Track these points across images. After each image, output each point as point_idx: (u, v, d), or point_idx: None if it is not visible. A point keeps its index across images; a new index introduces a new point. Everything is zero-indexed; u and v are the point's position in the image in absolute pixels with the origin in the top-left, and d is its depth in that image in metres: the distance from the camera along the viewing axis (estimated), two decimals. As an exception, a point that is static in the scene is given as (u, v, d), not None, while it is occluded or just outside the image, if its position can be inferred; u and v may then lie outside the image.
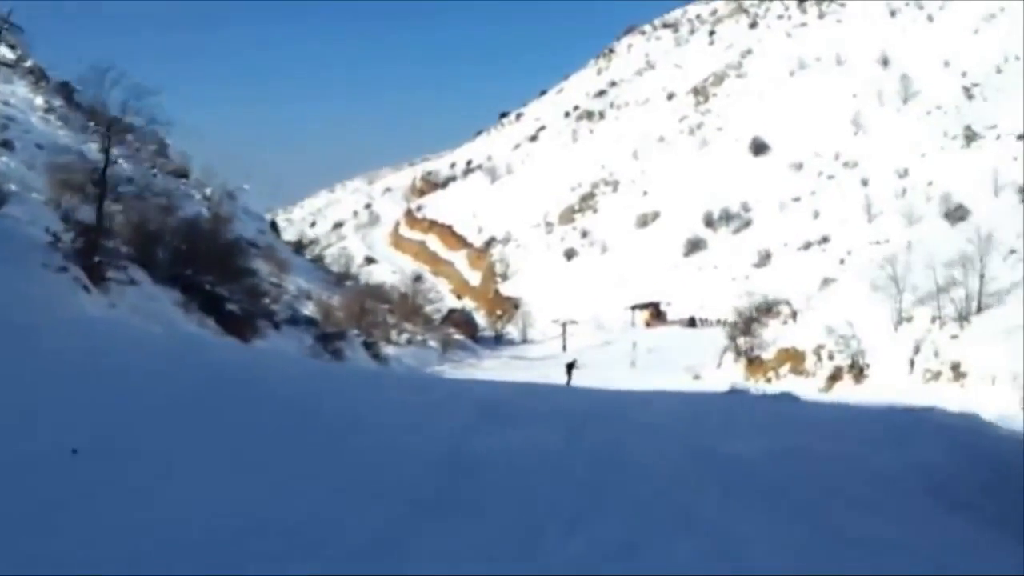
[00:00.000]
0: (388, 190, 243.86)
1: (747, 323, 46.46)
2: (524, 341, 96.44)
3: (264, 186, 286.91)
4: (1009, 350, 27.39)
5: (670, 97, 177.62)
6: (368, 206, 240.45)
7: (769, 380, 40.33)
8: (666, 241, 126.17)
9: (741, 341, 44.61)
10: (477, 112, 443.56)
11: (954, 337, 30.16)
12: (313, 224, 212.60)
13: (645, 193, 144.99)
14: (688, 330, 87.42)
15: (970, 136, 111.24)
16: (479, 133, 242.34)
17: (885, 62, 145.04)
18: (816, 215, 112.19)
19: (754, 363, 42.69)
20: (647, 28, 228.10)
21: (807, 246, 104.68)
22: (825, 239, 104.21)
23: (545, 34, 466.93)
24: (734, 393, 22.84)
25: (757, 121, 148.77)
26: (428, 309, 75.41)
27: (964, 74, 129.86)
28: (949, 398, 24.75)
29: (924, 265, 33.01)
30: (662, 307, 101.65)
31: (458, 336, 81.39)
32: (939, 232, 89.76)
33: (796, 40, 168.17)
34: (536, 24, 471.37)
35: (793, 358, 39.24)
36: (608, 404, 14.54)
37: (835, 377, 34.89)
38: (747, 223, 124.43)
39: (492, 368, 56.54)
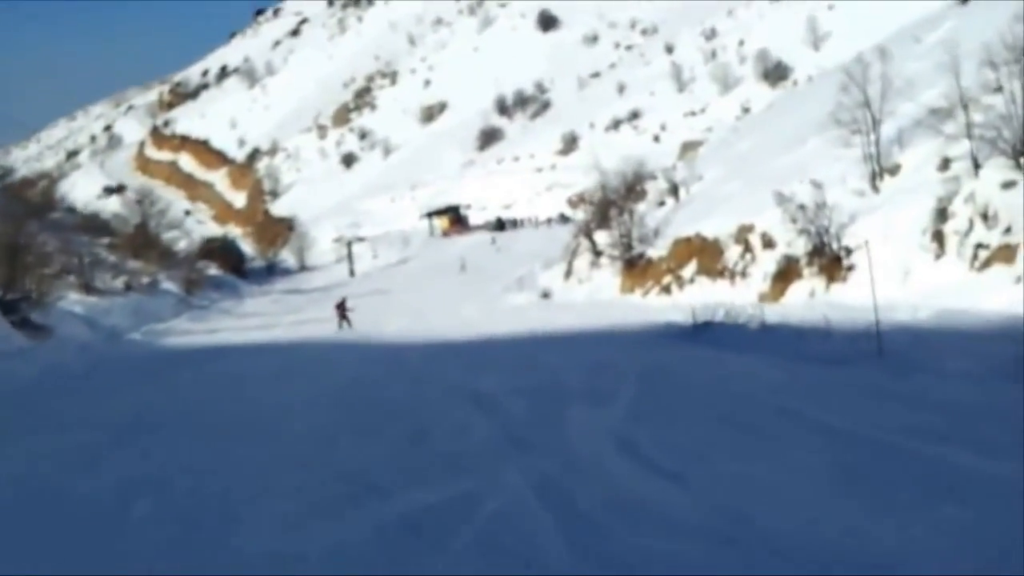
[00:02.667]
0: (131, 107, 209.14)
1: (604, 210, 31.25)
2: (302, 268, 77.36)
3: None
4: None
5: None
6: (107, 128, 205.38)
7: (667, 289, 25.21)
8: (457, 134, 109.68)
9: (603, 238, 29.33)
10: (230, 13, 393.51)
11: (1009, 185, 15.82)
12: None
13: (428, 83, 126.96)
14: (499, 235, 72.20)
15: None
16: (233, 35, 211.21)
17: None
18: (621, 89, 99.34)
19: (635, 267, 27.36)
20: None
21: (616, 124, 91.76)
22: (635, 114, 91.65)
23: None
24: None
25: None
26: (169, 238, 54.41)
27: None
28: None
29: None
30: (462, 211, 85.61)
31: (215, 272, 61.78)
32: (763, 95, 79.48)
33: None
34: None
35: (702, 252, 24.18)
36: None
37: (787, 274, 20.21)
38: (545, 105, 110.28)
39: (255, 313, 38.43)
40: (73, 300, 26.80)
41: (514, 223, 77.40)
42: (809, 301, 18.71)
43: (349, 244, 71.31)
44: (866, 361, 10.51)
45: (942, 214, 16.61)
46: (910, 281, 16.31)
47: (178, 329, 29.81)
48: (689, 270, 25.30)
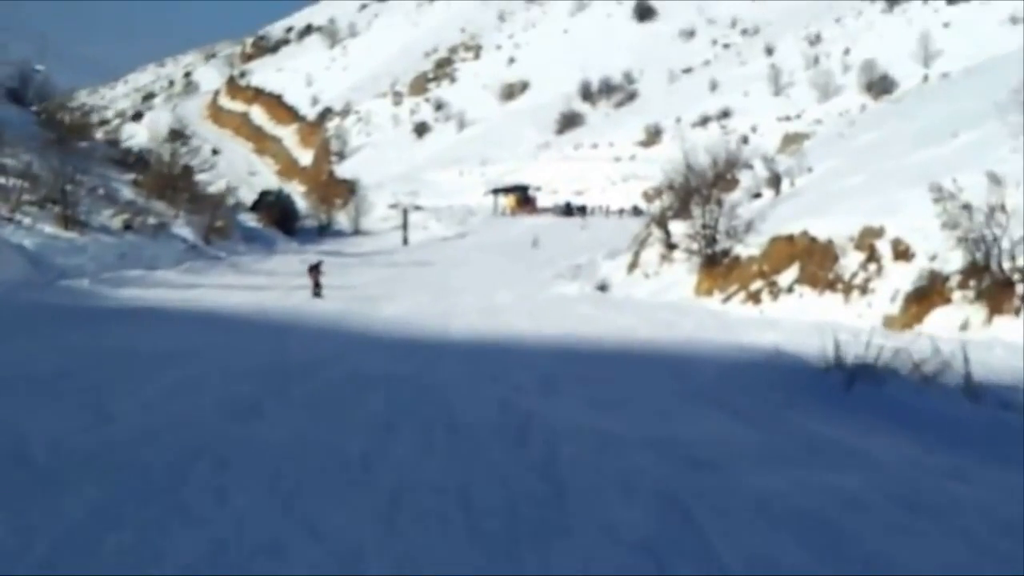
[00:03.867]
0: (213, 55, 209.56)
1: (685, 197, 26.49)
2: (356, 232, 73.95)
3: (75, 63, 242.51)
4: None
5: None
6: (187, 74, 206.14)
7: (755, 297, 20.47)
8: (536, 116, 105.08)
9: (681, 229, 24.55)
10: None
11: None
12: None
13: (512, 60, 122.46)
14: (564, 220, 67.61)
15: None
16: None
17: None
18: (713, 87, 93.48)
19: (717, 265, 22.56)
20: None
21: (704, 121, 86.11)
22: (726, 113, 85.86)
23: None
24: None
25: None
26: (203, 180, 51.07)
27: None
28: None
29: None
30: (531, 192, 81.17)
31: (253, 224, 58.73)
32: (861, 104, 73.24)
33: None
34: None
35: (808, 255, 19.27)
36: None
37: (928, 296, 15.30)
38: (631, 96, 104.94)
39: (270, 271, 34.58)
40: (38, 231, 23.01)
41: (583, 210, 72.67)
42: (960, 335, 13.69)
43: (405, 211, 67.46)
44: None
45: None
46: None
47: (155, 280, 25.51)
48: (787, 276, 20.35)
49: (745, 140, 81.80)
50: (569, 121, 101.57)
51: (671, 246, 27.57)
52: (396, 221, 70.14)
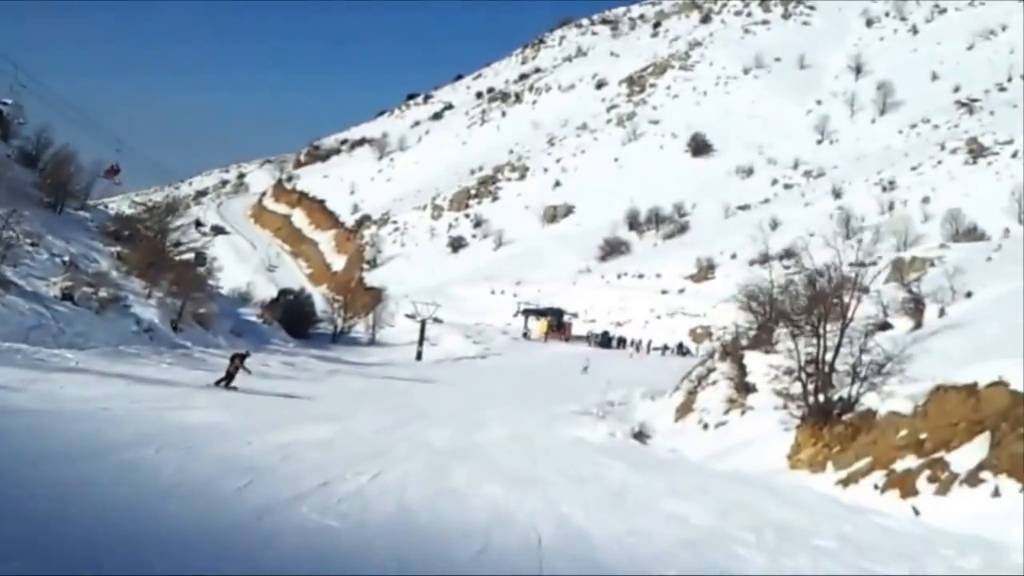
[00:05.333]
0: (268, 161, 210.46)
1: (768, 322, 18.58)
2: (372, 342, 66.45)
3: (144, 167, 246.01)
4: None
5: (600, 86, 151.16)
6: (241, 176, 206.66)
7: (907, 485, 11.98)
8: (579, 241, 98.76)
9: (761, 365, 16.53)
10: (385, 97, 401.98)
11: None
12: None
13: (558, 184, 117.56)
14: (602, 351, 59.65)
15: (975, 151, 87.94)
16: (381, 113, 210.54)
17: (858, 69, 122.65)
18: (775, 225, 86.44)
19: (831, 424, 14.21)
20: (584, 21, 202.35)
21: (765, 259, 78.45)
22: (790, 253, 78.21)
23: (468, 24, 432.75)
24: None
25: (700, 118, 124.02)
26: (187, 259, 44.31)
27: (957, 88, 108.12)
28: None
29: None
30: (566, 317, 73.56)
31: (254, 319, 52.46)
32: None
33: (754, 37, 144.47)
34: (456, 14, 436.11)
35: (1003, 420, 11.02)
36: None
37: None
38: (682, 228, 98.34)
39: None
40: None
41: (621, 341, 64.66)
42: None
43: (423, 324, 60.00)
44: None
45: None
46: None
47: (41, 361, 18.42)
48: (968, 455, 11.89)
49: (813, 283, 74.13)
50: (613, 248, 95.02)
51: (746, 387, 19.33)
52: (416, 335, 62.74)
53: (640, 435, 19.05)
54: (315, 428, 13.14)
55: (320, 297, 79.79)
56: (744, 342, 23.18)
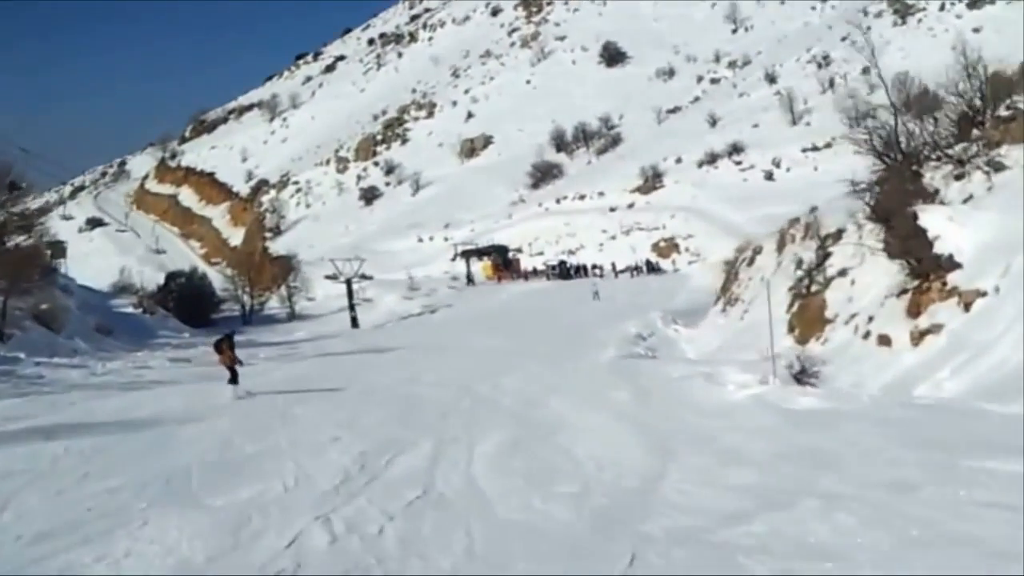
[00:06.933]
0: (151, 144, 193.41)
1: (909, 168, 10.75)
2: (292, 317, 56.72)
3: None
4: None
5: (495, 12, 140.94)
6: (122, 163, 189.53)
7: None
8: (504, 171, 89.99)
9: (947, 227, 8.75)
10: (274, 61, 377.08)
11: None
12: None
13: (470, 115, 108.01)
14: (566, 283, 51.72)
15: (900, 10, 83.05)
16: (270, 78, 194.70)
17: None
18: (713, 122, 79.29)
19: None
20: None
21: (712, 159, 71.47)
22: (737, 148, 71.30)
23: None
24: None
25: (606, 27, 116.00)
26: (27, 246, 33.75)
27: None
28: None
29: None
30: (510, 254, 65.18)
31: (129, 310, 43.15)
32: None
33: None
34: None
35: None
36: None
37: None
38: (615, 141, 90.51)
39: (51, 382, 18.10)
40: None
41: (582, 270, 56.80)
42: None
43: (349, 284, 50.75)
44: None
45: None
46: None
47: None
48: None
49: (769, 176, 67.39)
50: (544, 173, 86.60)
51: (937, 262, 11.24)
52: (344, 300, 53.29)
53: (802, 375, 10.99)
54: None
55: (218, 276, 69.19)
56: (865, 202, 15.15)
